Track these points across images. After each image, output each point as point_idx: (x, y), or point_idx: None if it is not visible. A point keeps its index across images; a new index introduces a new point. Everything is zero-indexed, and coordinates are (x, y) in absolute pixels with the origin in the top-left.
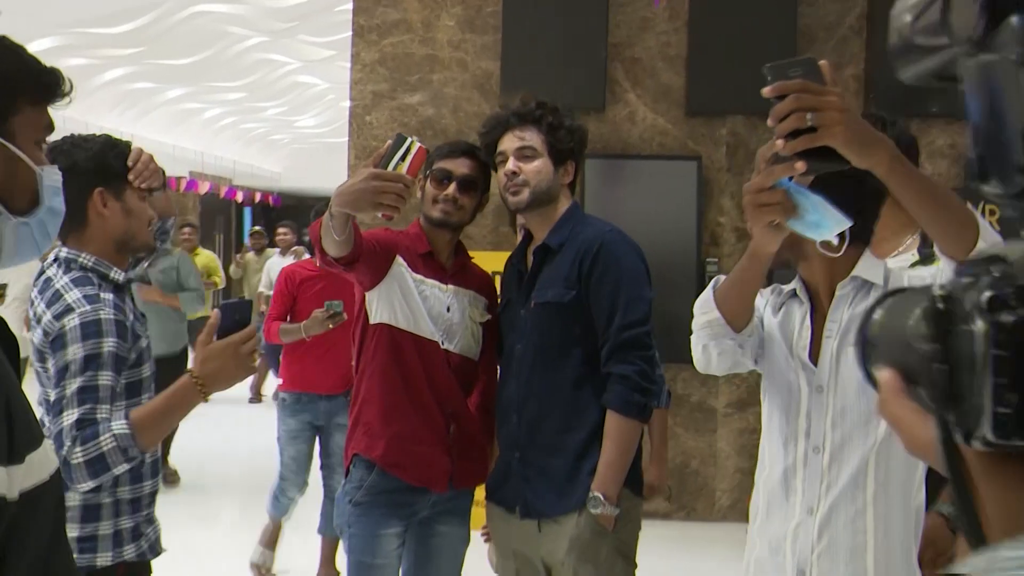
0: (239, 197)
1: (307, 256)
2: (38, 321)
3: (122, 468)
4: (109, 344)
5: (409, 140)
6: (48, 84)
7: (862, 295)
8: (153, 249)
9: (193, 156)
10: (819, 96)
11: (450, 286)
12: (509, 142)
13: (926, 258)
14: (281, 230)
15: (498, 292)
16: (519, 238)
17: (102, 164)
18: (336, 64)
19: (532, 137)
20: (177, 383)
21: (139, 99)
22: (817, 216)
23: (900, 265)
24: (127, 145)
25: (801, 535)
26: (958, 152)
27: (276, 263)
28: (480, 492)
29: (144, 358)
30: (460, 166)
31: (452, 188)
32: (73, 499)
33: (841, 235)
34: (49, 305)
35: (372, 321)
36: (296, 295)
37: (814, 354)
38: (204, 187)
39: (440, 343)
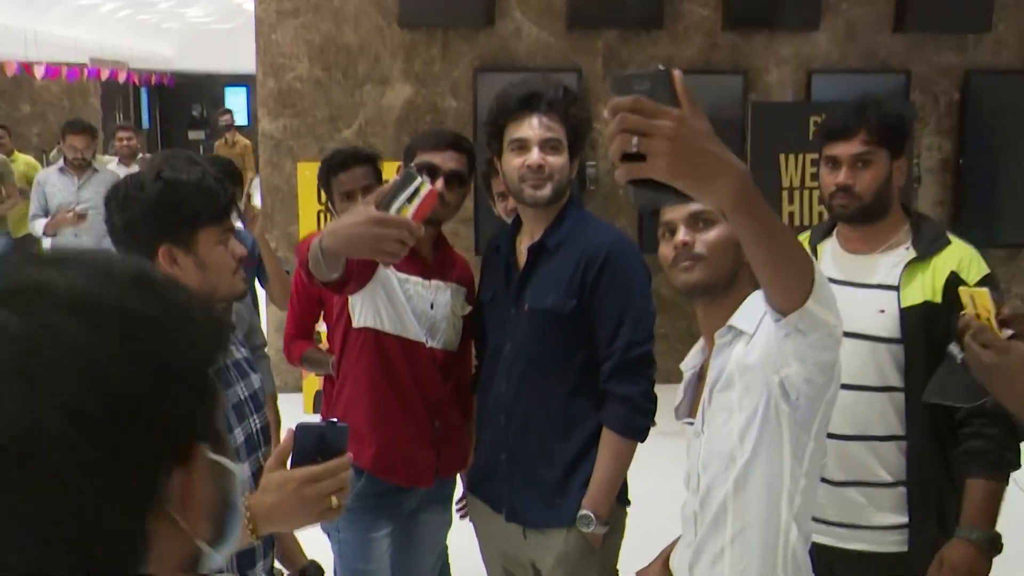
0: (137, 80)
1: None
2: None
3: None
4: None
5: (419, 181)
6: None
7: (736, 343)
8: (243, 295)
9: (92, 46)
10: (650, 118)
11: (433, 281)
12: (533, 130)
13: (924, 256)
14: (122, 135)
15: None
16: (498, 210)
17: (162, 215)
18: None
19: (558, 128)
20: None
21: None
22: None
23: (896, 261)
24: (198, 176)
25: (680, 567)
26: (801, 60)
27: (111, 176)
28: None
29: None
30: (447, 160)
31: (439, 184)
32: None
33: None
34: None
35: (356, 325)
36: (320, 295)
37: (695, 401)
38: (105, 73)
39: (425, 342)
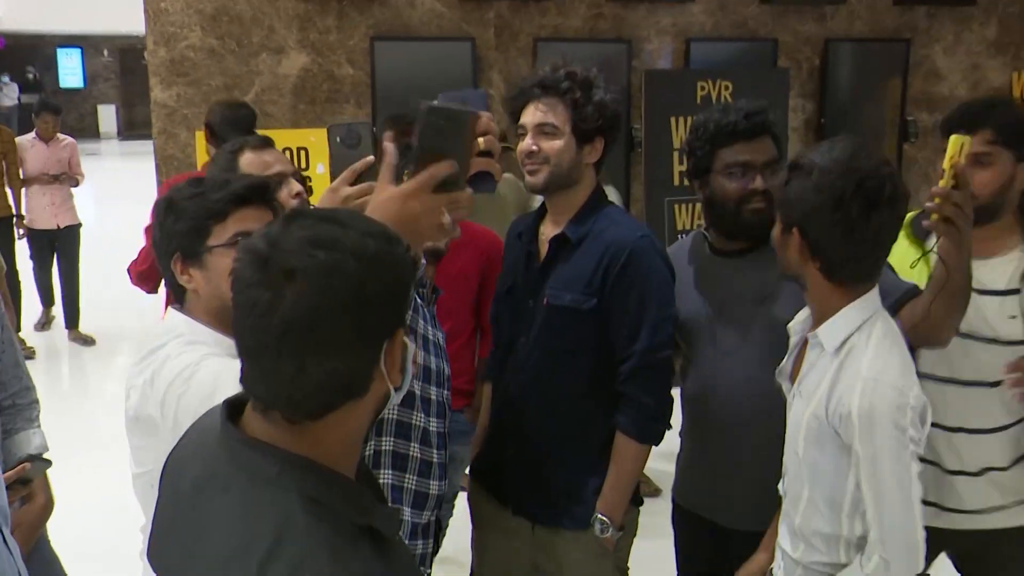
0: None
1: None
2: None
3: None
4: None
5: None
6: None
7: (822, 355)
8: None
9: None
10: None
11: None
12: (530, 115)
13: None
14: None
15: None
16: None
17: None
18: None
19: (555, 112)
20: None
21: None
22: None
23: (1007, 269)
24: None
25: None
26: (678, 29)
27: None
28: None
29: None
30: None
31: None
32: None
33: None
34: None
35: None
36: None
37: (796, 368)
38: None
39: None
